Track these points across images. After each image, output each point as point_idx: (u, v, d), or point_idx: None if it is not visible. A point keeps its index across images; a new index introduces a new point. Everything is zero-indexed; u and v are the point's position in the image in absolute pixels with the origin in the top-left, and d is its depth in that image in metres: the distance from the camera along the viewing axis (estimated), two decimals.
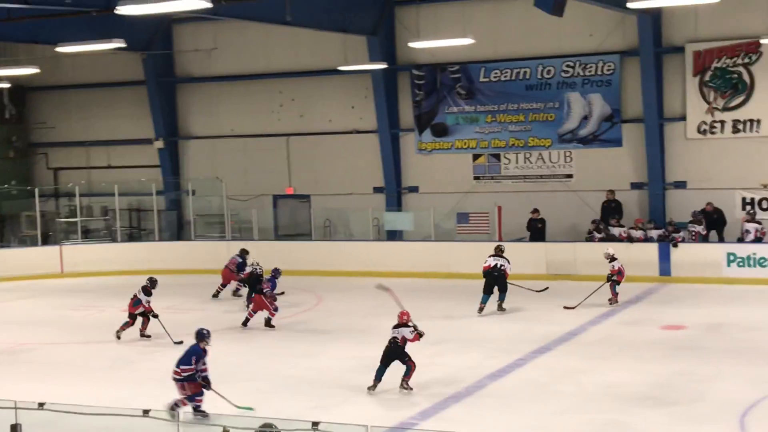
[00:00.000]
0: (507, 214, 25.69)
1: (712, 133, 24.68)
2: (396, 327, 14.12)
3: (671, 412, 12.66)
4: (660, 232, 23.75)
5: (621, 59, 25.37)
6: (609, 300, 20.27)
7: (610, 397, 13.45)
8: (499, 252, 20.47)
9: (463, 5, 26.32)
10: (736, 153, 24.55)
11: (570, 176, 26.44)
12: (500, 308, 20.10)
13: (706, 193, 24.37)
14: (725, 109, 24.48)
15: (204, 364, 12.80)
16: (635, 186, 25.71)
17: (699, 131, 24.79)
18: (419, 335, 14.07)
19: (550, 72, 26.21)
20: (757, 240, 22.65)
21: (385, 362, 14.03)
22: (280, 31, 27.33)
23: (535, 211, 25.32)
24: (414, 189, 28.34)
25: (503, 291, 20.14)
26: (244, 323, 19.04)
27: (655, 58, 24.56)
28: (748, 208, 24.17)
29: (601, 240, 23.95)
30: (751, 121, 24.29)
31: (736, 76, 24.30)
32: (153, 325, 18.05)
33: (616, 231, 24.07)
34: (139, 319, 18.26)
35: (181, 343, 16.58)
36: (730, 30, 24.21)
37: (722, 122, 24.54)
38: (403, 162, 28.40)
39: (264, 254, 26.60)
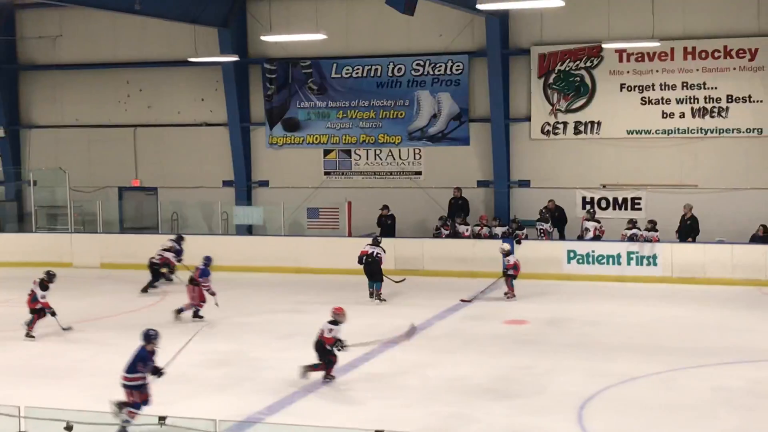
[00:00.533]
0: (357, 209, 25.91)
1: (555, 134, 25.46)
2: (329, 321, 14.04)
3: (513, 405, 12.99)
4: (504, 229, 24.34)
5: (469, 59, 25.89)
6: (505, 294, 20.71)
7: (453, 390, 13.70)
8: (376, 242, 21.06)
9: (316, 0, 26.32)
10: (577, 154, 25.41)
11: (419, 173, 26.83)
12: (378, 297, 20.58)
13: (549, 192, 25.15)
14: (567, 110, 25.30)
15: (152, 363, 12.06)
16: (481, 184, 26.28)
17: (542, 132, 25.54)
18: (335, 340, 13.87)
19: (401, 70, 26.52)
20: (596, 238, 23.45)
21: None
22: (128, 20, 26.76)
23: (385, 207, 25.58)
24: (264, 183, 28.22)
25: (378, 280, 20.64)
26: (180, 312, 18.80)
27: (502, 60, 25.15)
28: (588, 207, 25.05)
29: (448, 236, 24.38)
30: (592, 123, 25.17)
31: (578, 79, 25.14)
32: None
33: (462, 228, 24.52)
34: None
35: (69, 329, 17.34)
36: (573, 34, 25.03)
37: (564, 123, 25.35)
38: (254, 156, 28.23)
39: (109, 247, 26.17)
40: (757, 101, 23.86)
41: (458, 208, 25.49)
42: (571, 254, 23.37)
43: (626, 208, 24.98)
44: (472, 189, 26.20)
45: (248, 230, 27.43)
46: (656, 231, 22.94)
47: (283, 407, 12.99)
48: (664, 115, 24.57)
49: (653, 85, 24.56)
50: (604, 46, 23.92)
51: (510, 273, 20.71)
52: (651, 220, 23.31)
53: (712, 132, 24.29)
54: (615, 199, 25.18)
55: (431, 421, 12.29)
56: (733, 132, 24.13)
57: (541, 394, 13.45)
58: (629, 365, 14.90)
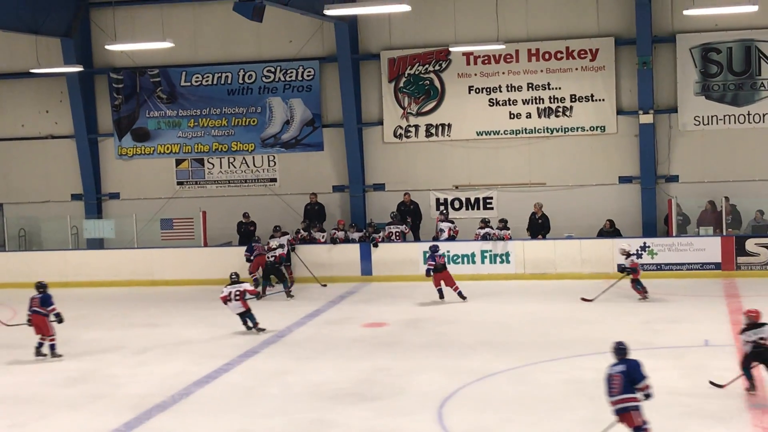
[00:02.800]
0: (212, 218, 25.57)
1: (407, 137, 25.77)
2: (753, 328, 12.86)
3: (374, 407, 13.06)
4: (361, 233, 24.47)
5: (320, 65, 25.95)
6: (639, 299, 19.98)
7: (315, 395, 13.69)
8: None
9: (161, 8, 25.95)
10: (429, 156, 25.77)
11: (274, 180, 26.73)
12: (289, 295, 21.84)
13: (404, 195, 25.38)
14: (419, 114, 25.64)
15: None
16: (337, 189, 26.37)
17: (395, 135, 25.81)
18: None
19: (252, 77, 26.38)
20: (451, 238, 23.82)
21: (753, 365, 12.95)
22: None
23: (246, 215, 25.38)
24: (115, 195, 27.62)
25: (283, 280, 21.95)
26: None
27: (352, 65, 25.29)
28: (442, 208, 25.46)
29: (306, 242, 24.33)
30: (443, 125, 25.57)
31: (427, 82, 25.51)
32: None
33: (318, 234, 24.53)
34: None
35: None
36: (422, 38, 25.39)
37: (416, 127, 25.68)
38: (103, 168, 27.60)
39: None
40: (599, 100, 24.68)
41: (314, 214, 25.51)
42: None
43: (479, 208, 25.49)
44: (327, 194, 26.26)
45: (100, 244, 26.78)
46: (508, 229, 23.46)
47: (141, 423, 12.73)
48: (512, 116, 25.16)
49: (500, 86, 25.12)
50: (451, 49, 24.33)
51: (631, 273, 20.01)
52: (502, 219, 23.82)
53: (557, 131, 25.00)
54: (468, 200, 25.64)
55: (293, 429, 12.26)
56: (577, 130, 24.90)
57: (401, 395, 13.56)
58: (486, 362, 15.18)
